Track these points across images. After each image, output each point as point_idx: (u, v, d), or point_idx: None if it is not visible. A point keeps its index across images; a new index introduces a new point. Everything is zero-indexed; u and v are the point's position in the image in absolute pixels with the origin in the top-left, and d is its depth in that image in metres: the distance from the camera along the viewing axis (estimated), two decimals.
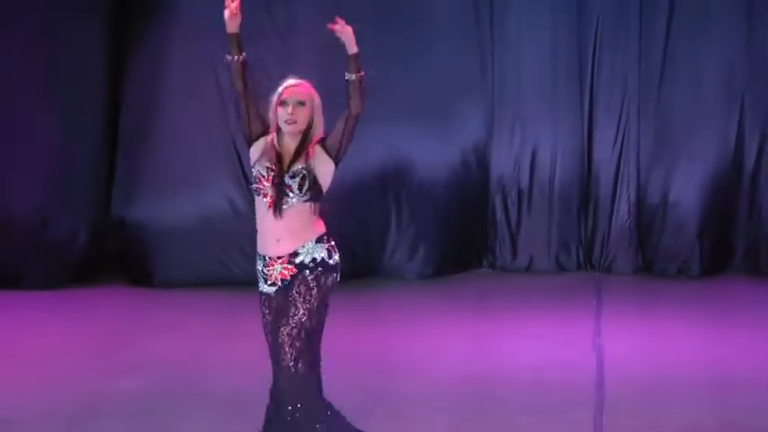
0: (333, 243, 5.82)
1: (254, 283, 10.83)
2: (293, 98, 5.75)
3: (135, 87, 10.28)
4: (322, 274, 5.76)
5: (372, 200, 10.43)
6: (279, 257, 5.85)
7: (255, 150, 5.86)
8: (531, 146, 10.65)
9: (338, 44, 5.77)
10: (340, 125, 5.72)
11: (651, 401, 7.30)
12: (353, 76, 5.72)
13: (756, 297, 9.86)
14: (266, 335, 5.86)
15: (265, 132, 5.83)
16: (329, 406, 5.80)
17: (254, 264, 10.84)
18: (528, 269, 10.67)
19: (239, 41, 5.85)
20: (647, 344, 8.54)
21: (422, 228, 10.57)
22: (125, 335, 8.78)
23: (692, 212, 10.53)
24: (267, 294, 5.90)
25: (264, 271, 5.92)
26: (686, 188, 10.53)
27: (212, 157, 10.22)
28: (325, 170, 5.75)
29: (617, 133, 10.60)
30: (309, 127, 5.75)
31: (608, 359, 8.14)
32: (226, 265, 10.12)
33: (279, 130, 5.78)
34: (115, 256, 10.39)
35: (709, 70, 10.48)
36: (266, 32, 10.08)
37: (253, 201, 10.92)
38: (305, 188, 5.74)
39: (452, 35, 10.48)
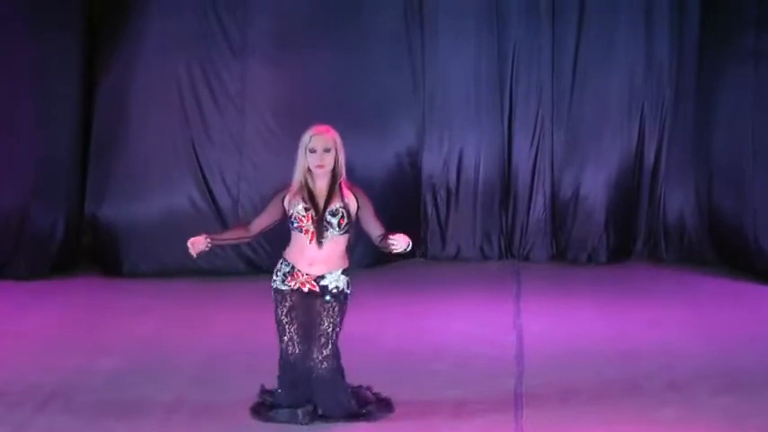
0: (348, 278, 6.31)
1: (215, 273, 10.79)
2: (321, 145, 6.15)
3: (106, 97, 10.11)
4: (342, 300, 6.28)
5: None
6: (307, 274, 6.24)
7: (287, 203, 6.22)
8: (457, 150, 10.66)
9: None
10: (369, 217, 6.33)
11: (564, 371, 7.38)
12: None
13: (654, 280, 9.98)
14: (290, 321, 6.27)
15: (283, 198, 6.22)
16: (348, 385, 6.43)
17: (218, 257, 10.81)
18: (456, 258, 10.67)
19: (233, 241, 6.72)
20: (561, 322, 8.61)
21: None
22: (99, 319, 8.70)
23: (599, 206, 10.57)
24: (281, 291, 6.26)
25: (287, 274, 6.25)
26: (594, 185, 10.58)
27: (175, 160, 10.10)
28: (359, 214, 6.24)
29: (533, 138, 10.64)
30: (336, 164, 6.20)
31: (527, 335, 8.20)
32: (188, 256, 10.05)
33: (308, 171, 6.17)
34: (89, 250, 10.25)
35: (614, 84, 10.51)
36: (222, 50, 10.01)
37: (213, 201, 10.87)
38: (344, 224, 6.21)
39: (389, 55, 10.41)
